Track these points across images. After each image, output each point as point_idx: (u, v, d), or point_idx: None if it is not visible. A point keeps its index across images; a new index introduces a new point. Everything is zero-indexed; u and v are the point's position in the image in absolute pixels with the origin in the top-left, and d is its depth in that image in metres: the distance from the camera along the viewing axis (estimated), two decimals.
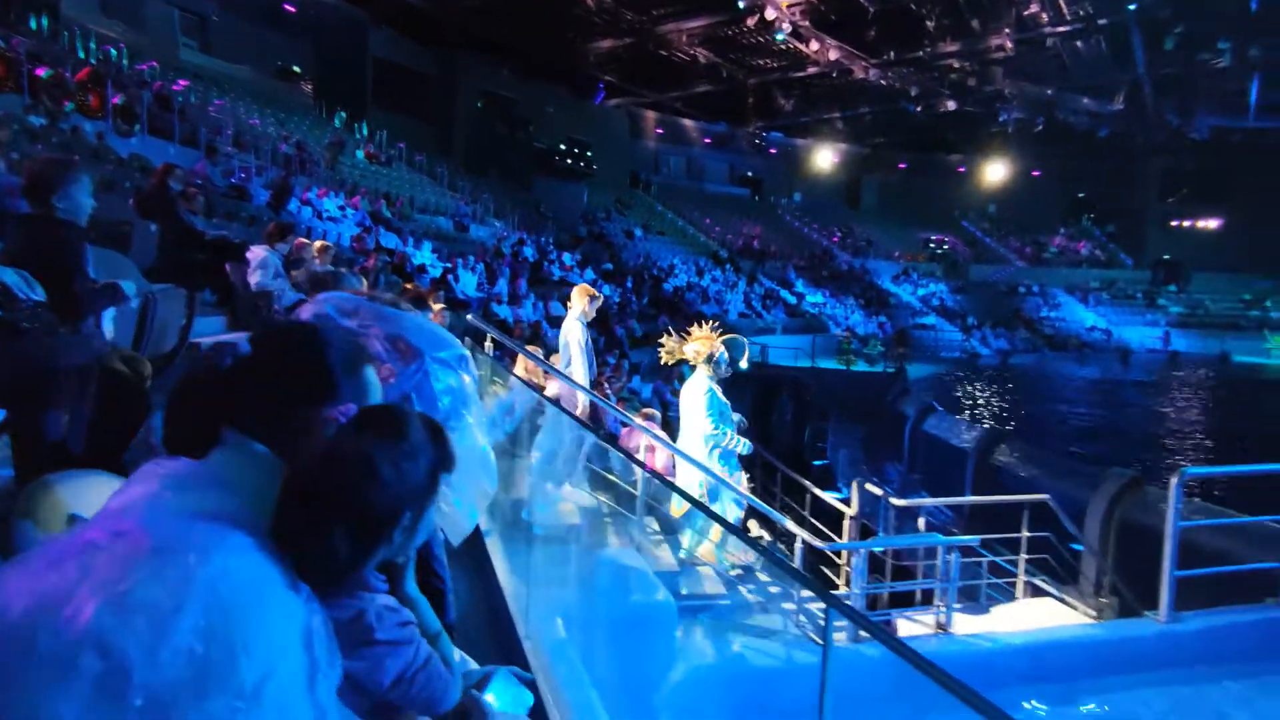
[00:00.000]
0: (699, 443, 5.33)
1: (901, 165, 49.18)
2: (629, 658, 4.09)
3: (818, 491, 7.53)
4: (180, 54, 22.45)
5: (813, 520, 7.75)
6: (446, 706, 1.32)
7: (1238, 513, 5.58)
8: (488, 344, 5.41)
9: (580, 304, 6.07)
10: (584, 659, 3.44)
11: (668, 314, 19.60)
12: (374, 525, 1.12)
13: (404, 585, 1.34)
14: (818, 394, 17.00)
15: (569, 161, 35.01)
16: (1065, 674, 4.60)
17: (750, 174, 47.91)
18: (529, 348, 7.02)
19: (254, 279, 5.95)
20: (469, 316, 7.18)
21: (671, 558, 5.38)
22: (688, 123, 44.65)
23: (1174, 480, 4.76)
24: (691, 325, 5.93)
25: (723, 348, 5.50)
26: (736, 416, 5.58)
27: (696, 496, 5.23)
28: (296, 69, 28.55)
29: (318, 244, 6.96)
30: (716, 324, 5.83)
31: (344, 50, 28.48)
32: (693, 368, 5.57)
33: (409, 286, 4.92)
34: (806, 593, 5.69)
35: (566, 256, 20.44)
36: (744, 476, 5.60)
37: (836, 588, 6.51)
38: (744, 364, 5.59)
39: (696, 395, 5.38)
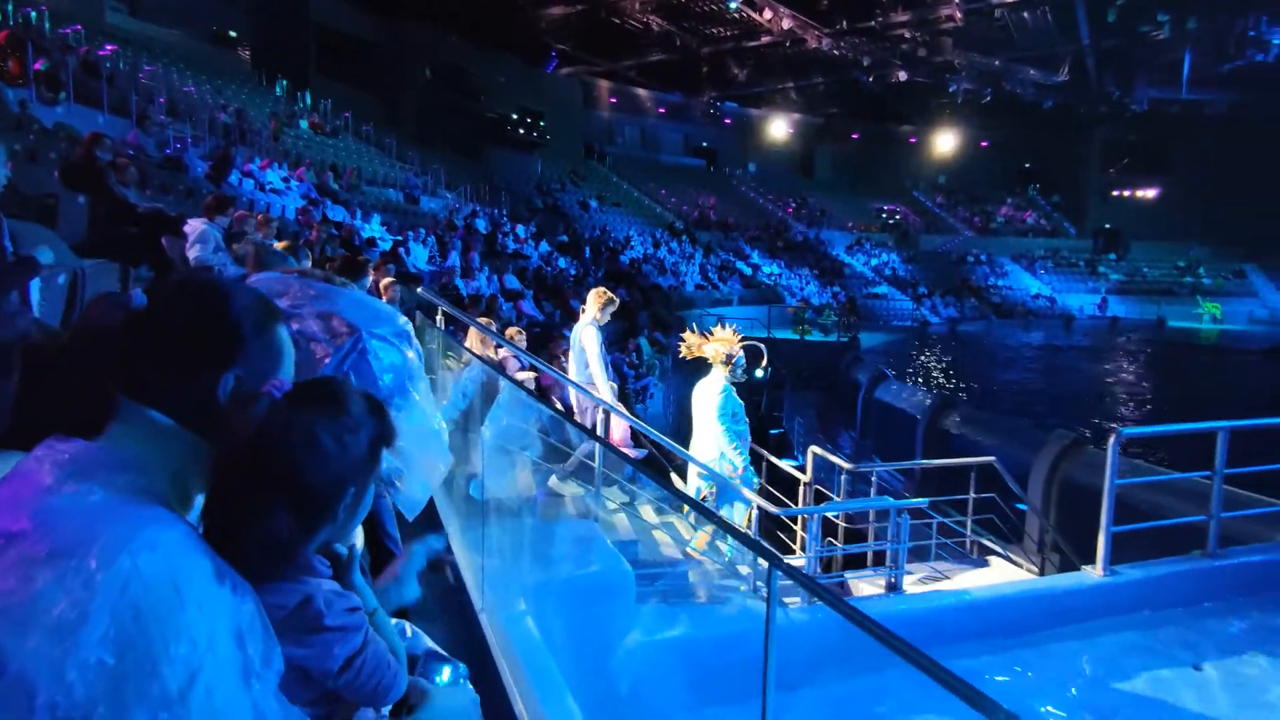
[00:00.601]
0: (711, 440, 5.31)
1: (854, 136, 49.55)
2: (587, 627, 4.12)
3: (773, 459, 7.64)
4: (106, 17, 21.27)
5: (769, 487, 7.88)
6: (395, 695, 1.28)
7: (1171, 470, 5.84)
8: (439, 318, 5.31)
9: (595, 307, 5.98)
10: (542, 630, 3.45)
11: (625, 286, 19.55)
12: (317, 502, 1.08)
13: (350, 570, 1.30)
14: (774, 364, 17.19)
15: (521, 132, 34.39)
16: (1009, 628, 4.77)
17: (705, 144, 47.76)
18: (481, 320, 6.92)
19: (193, 253, 5.72)
20: (419, 290, 7.03)
21: (630, 526, 5.42)
22: (641, 92, 44.21)
23: (1111, 441, 4.93)
24: (700, 328, 5.90)
25: (741, 351, 5.50)
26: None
27: (705, 493, 5.30)
28: (233, 34, 27.35)
29: (259, 216, 6.72)
30: (736, 330, 5.83)
31: (283, 16, 27.37)
32: (710, 366, 5.58)
33: (349, 258, 4.76)
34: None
35: (520, 228, 20.15)
36: (755, 481, 5.63)
37: (793, 552, 6.66)
38: (759, 373, 5.62)
39: (711, 395, 5.38)
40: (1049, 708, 4.21)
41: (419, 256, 11.73)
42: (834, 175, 49.95)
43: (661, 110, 45.55)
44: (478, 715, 1.63)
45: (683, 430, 13.99)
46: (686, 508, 6.03)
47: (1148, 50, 37.58)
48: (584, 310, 6.12)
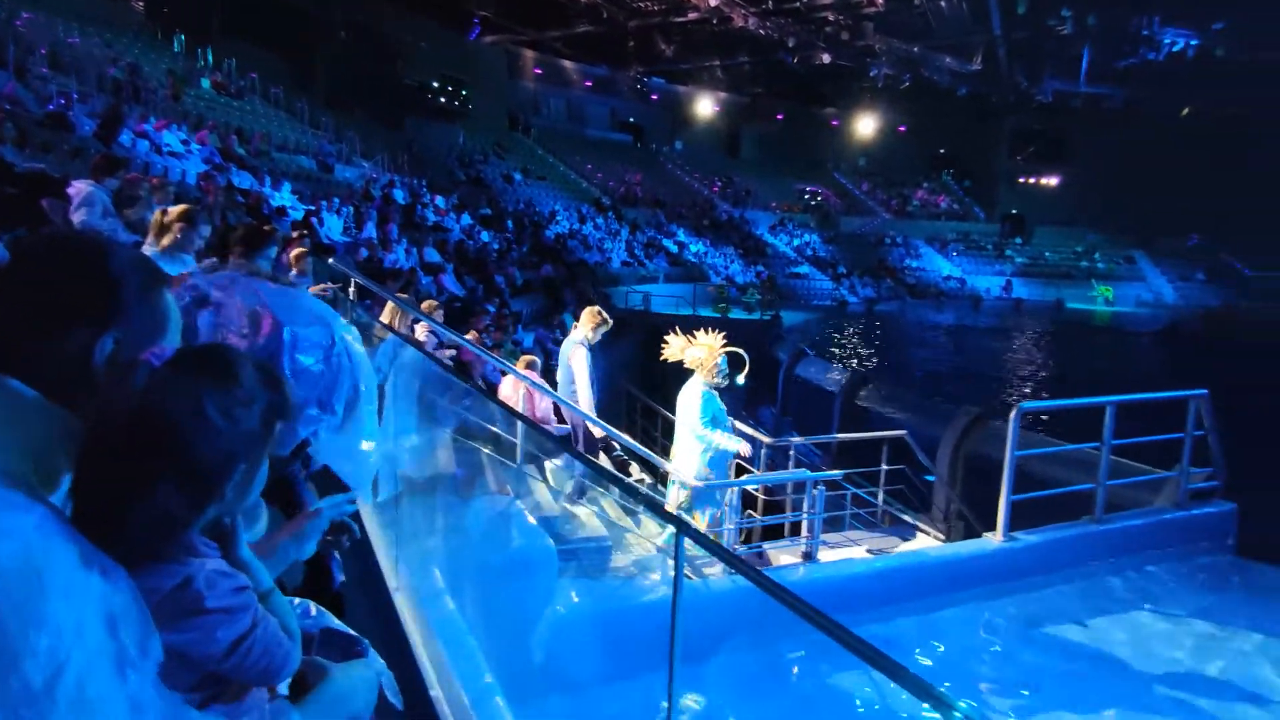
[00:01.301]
0: (691, 443, 5.30)
1: (779, 116, 50.19)
2: (507, 602, 4.09)
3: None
4: None
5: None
6: (286, 675, 1.23)
7: (1066, 442, 6.20)
8: (351, 290, 5.11)
9: (587, 327, 5.99)
10: (461, 607, 3.40)
11: (551, 262, 19.31)
12: (203, 479, 1.00)
13: (236, 548, 1.23)
14: None
15: (443, 101, 33.37)
16: (917, 592, 5.00)
17: (632, 120, 47.47)
18: (400, 296, 6.71)
19: (78, 217, 5.29)
20: (331, 261, 6.74)
21: (552, 502, 5.39)
22: (568, 64, 43.49)
23: (1012, 415, 5.20)
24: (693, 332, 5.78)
25: (720, 359, 5.47)
26: (731, 420, 5.58)
27: (684, 498, 5.30)
28: None
29: (155, 180, 6.28)
30: (723, 337, 5.75)
31: None
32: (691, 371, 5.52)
33: (254, 227, 4.48)
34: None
35: (441, 200, 19.57)
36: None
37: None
38: (740, 379, 5.59)
39: (692, 397, 5.34)
40: (951, 665, 4.44)
41: (333, 227, 11.24)
42: (759, 155, 50.56)
43: (588, 83, 44.97)
44: (391, 690, 1.59)
45: (610, 408, 14.02)
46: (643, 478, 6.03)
47: (1053, 44, 39.41)
48: (575, 328, 6.11)
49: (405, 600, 3.00)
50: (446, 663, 2.61)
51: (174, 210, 4.46)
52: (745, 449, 5.25)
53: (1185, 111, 45.01)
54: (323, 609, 1.63)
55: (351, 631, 1.54)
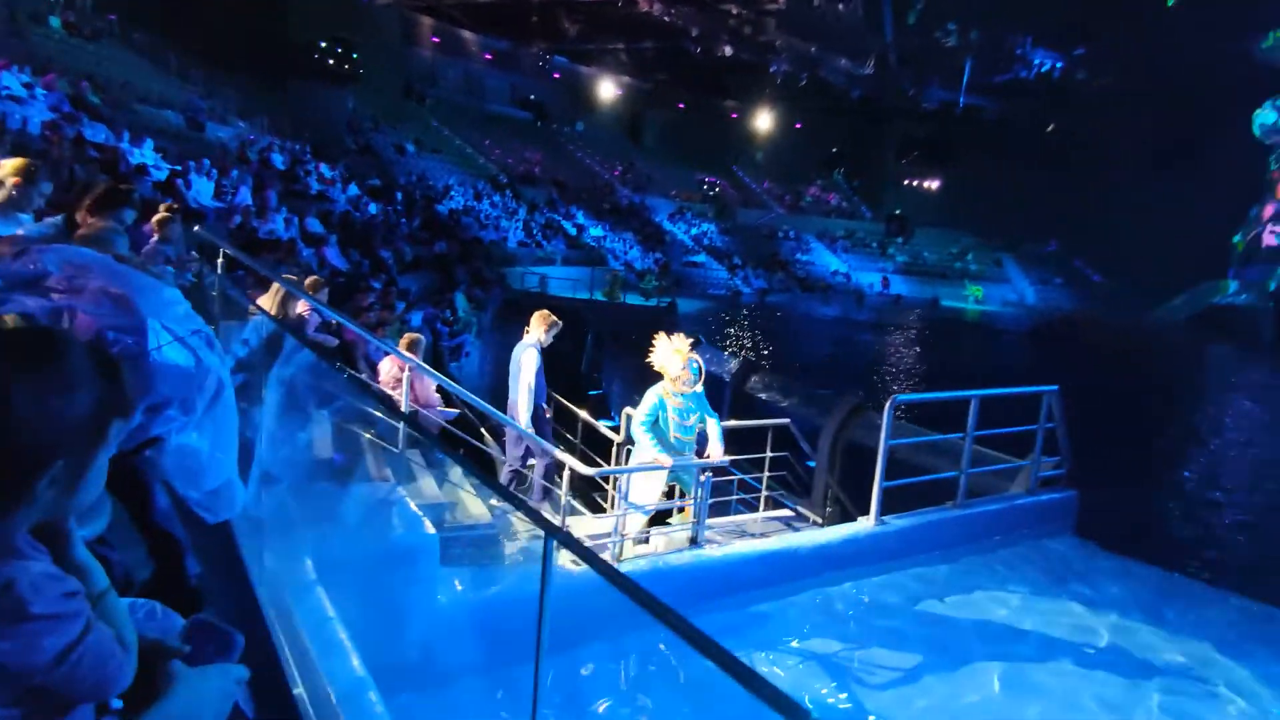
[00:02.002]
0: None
1: (681, 105, 50.62)
2: (386, 592, 3.94)
3: (589, 419, 7.71)
4: None
5: (583, 448, 7.96)
6: (120, 687, 1.11)
7: (934, 432, 6.60)
8: (217, 260, 4.72)
9: (539, 330, 5.88)
10: (335, 599, 3.24)
11: (444, 239, 18.70)
12: (9, 476, 0.91)
13: (69, 549, 1.10)
14: (595, 326, 17.34)
15: (331, 63, 31.54)
16: (794, 574, 5.20)
17: (533, 97, 46.55)
18: (287, 277, 6.28)
19: None
20: (196, 229, 6.22)
21: (436, 489, 5.23)
22: (467, 35, 42.11)
23: (886, 406, 5.47)
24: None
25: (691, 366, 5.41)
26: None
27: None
28: None
29: None
30: (694, 342, 5.64)
31: None
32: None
33: (109, 186, 4.05)
34: (573, 519, 5.85)
35: (326, 168, 18.51)
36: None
37: (604, 510, 6.78)
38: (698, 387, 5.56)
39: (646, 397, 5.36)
40: (821, 643, 4.65)
41: (202, 191, 10.40)
42: (660, 142, 50.86)
43: (488, 56, 43.72)
44: (241, 695, 1.47)
45: (500, 391, 13.77)
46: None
47: (938, 55, 41.71)
48: (527, 332, 5.98)
49: (270, 594, 2.82)
50: (314, 658, 2.47)
51: (9, 163, 3.98)
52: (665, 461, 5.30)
53: (1050, 127, 48.79)
54: (171, 611, 1.50)
55: (224, 626, 1.42)
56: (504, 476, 6.00)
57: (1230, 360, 31.45)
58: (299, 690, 2.30)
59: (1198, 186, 39.30)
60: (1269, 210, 38.92)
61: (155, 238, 5.44)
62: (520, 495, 5.12)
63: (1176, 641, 4.87)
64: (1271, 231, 38.27)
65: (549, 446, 5.35)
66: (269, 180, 12.88)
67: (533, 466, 6.02)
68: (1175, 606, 5.34)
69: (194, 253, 5.45)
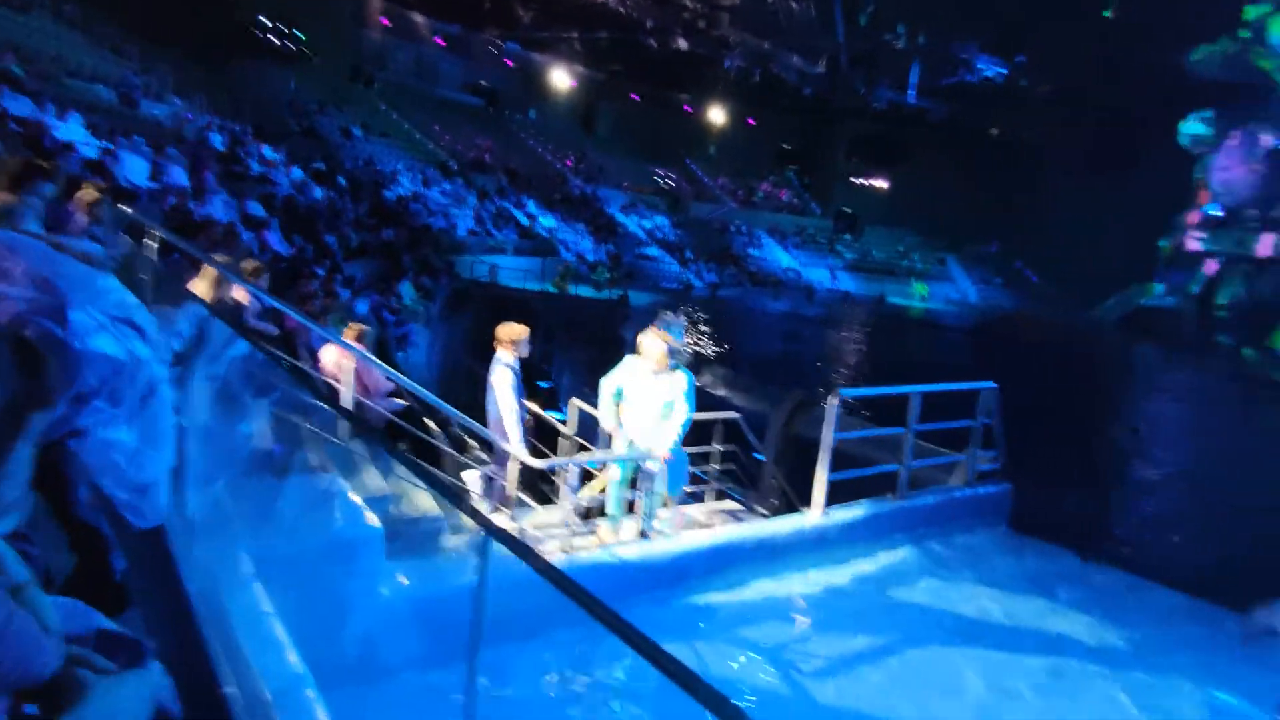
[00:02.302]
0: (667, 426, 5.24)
1: (635, 97, 50.51)
2: (328, 587, 3.85)
3: (539, 411, 7.66)
4: None
5: (531, 439, 7.90)
6: (43, 676, 1.06)
7: (878, 425, 6.76)
8: (149, 242, 4.51)
9: (507, 353, 5.77)
10: (273, 594, 3.15)
11: (391, 225, 18.32)
12: None
13: None
14: (546, 317, 17.24)
15: (274, 41, 30.49)
16: (740, 565, 5.27)
17: (485, 83, 45.83)
18: (218, 258, 6.05)
19: None
20: (127, 209, 5.95)
21: (381, 481, 5.13)
22: (419, 18, 41.21)
23: (832, 400, 5.57)
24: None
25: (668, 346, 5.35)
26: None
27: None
28: None
29: None
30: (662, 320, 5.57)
31: None
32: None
33: (28, 161, 3.83)
34: (521, 510, 5.81)
35: (268, 150, 17.92)
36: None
37: (552, 502, 6.75)
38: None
39: (678, 386, 5.25)
40: (766, 633, 4.73)
41: (135, 170, 9.94)
42: (614, 134, 50.68)
43: (440, 40, 42.86)
44: (168, 697, 1.42)
45: (449, 383, 13.61)
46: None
47: (888, 57, 42.53)
48: (496, 347, 5.88)
49: (202, 591, 2.73)
50: (247, 656, 2.40)
51: None
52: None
53: (994, 131, 50.26)
54: (91, 609, 1.43)
55: (130, 634, 1.36)
56: (478, 481, 5.85)
57: (1155, 359, 32.98)
58: (231, 689, 2.23)
59: (1130, 193, 40.99)
60: (1193, 217, 40.86)
61: (83, 217, 5.19)
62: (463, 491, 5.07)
63: (1102, 628, 5.09)
64: (1195, 237, 40.20)
65: (513, 449, 5.26)
66: (207, 160, 12.40)
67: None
68: (1099, 596, 5.58)
69: (123, 234, 5.21)
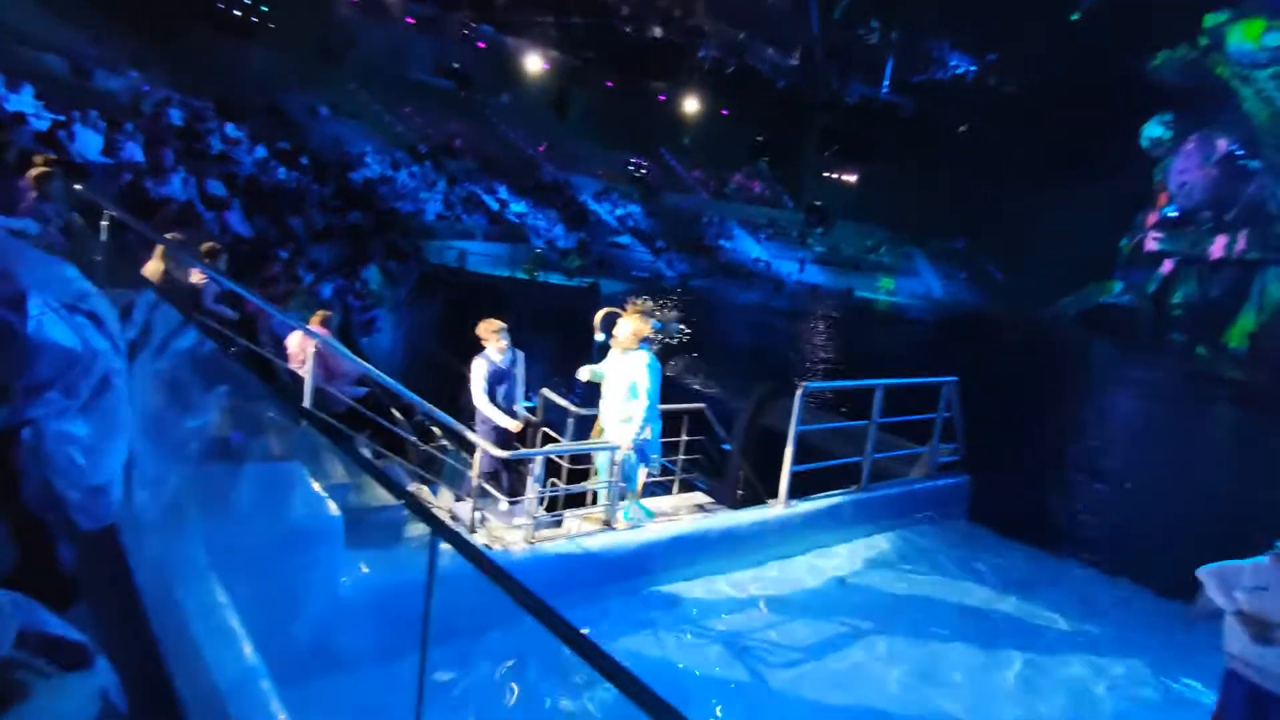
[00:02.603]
0: (632, 410, 5.25)
1: (609, 84, 50.13)
2: (287, 578, 3.79)
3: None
4: None
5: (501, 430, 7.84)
6: None
7: (843, 418, 6.85)
8: (104, 225, 4.37)
9: (491, 346, 5.77)
10: (228, 585, 3.09)
11: (358, 208, 17.99)
12: None
13: None
14: (516, 304, 17.10)
15: (237, 14, 29.65)
16: (706, 556, 5.31)
17: (457, 66, 45.11)
18: (173, 236, 5.88)
19: None
20: (77, 186, 5.74)
21: (341, 470, 5.05)
22: None
23: (797, 393, 5.62)
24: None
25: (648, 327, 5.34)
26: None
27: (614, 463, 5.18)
28: None
29: None
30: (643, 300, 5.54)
31: None
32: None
33: None
34: (486, 501, 5.76)
35: (231, 128, 17.45)
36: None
37: (520, 492, 6.71)
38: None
39: (639, 368, 5.26)
40: (730, 623, 4.77)
41: (88, 145, 9.61)
42: (587, 120, 50.27)
43: (411, 20, 42.05)
44: (114, 693, 1.38)
45: (415, 370, 13.44)
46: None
47: (861, 51, 42.78)
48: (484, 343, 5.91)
49: (153, 583, 2.66)
50: (200, 649, 2.35)
51: None
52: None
53: (962, 128, 50.89)
54: (34, 602, 1.38)
55: (73, 635, 1.32)
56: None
57: (1112, 356, 33.87)
58: (181, 683, 2.18)
59: (1093, 193, 41.87)
60: (1151, 218, 41.90)
61: (33, 194, 5.01)
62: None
63: (1055, 616, 5.23)
64: (1153, 238, 41.24)
65: (473, 435, 5.22)
66: (165, 137, 12.04)
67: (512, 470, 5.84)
68: (1053, 585, 5.73)
69: (74, 213, 5.05)
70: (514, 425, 5.55)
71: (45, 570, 2.32)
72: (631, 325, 5.35)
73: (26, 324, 1.71)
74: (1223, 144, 38.46)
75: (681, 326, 5.43)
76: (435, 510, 5.11)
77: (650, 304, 5.57)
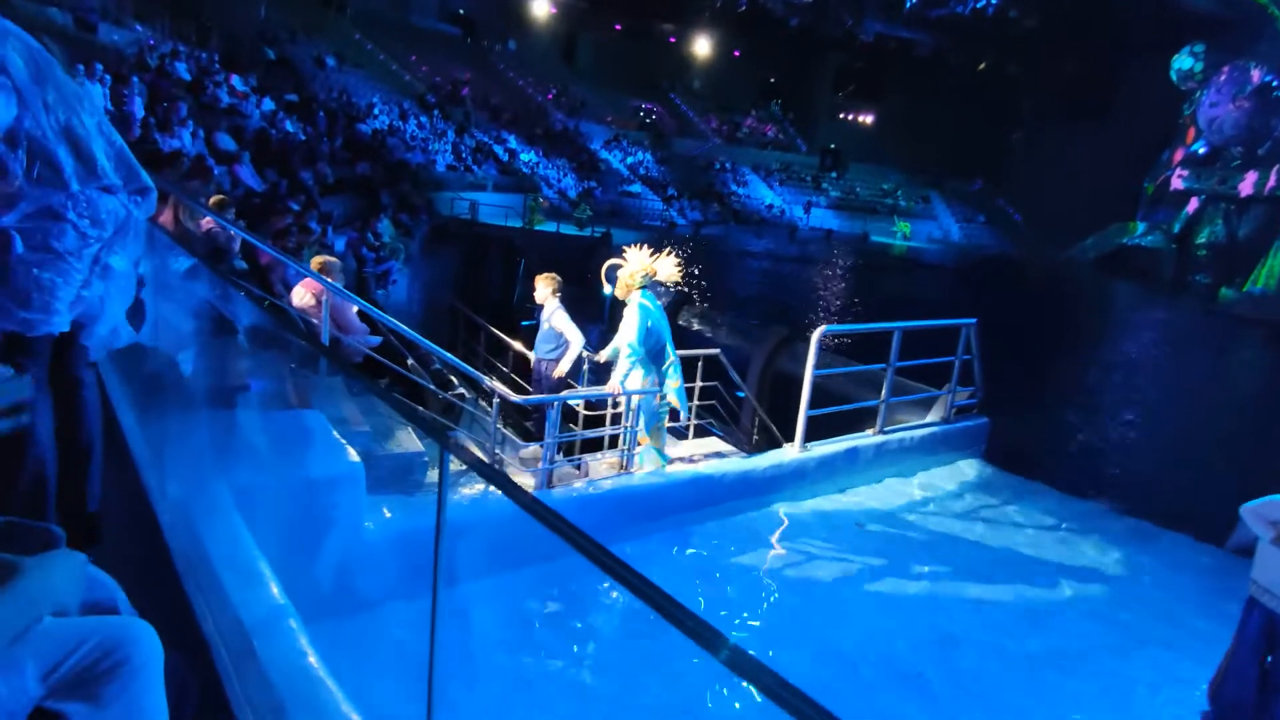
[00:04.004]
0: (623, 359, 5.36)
1: (617, 27, 48.85)
2: (310, 521, 3.86)
3: (520, 348, 7.63)
4: None
5: (514, 376, 7.89)
6: None
7: (859, 362, 6.79)
8: None
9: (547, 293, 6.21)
10: (252, 527, 3.15)
11: (367, 160, 17.81)
12: None
13: None
14: (527, 255, 17.00)
15: None
16: (721, 499, 5.34)
17: (462, 11, 44.05)
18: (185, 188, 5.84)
19: None
20: None
21: (360, 417, 5.10)
22: None
23: (814, 336, 5.57)
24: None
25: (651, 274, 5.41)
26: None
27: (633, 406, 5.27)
28: None
29: None
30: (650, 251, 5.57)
31: None
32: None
33: None
34: (516, 449, 5.81)
35: (238, 80, 17.21)
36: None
37: (536, 437, 6.78)
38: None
39: (631, 312, 5.33)
40: (746, 565, 4.83)
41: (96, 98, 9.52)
42: (596, 65, 49.16)
43: None
44: (104, 583, 1.44)
45: (429, 321, 13.43)
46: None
47: None
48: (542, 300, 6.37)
49: (172, 524, 2.71)
50: (225, 587, 2.40)
51: None
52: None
53: (981, 65, 49.30)
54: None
55: (38, 524, 1.41)
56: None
57: (1133, 298, 33.32)
58: (207, 620, 2.23)
59: (1116, 130, 40.65)
60: (1178, 155, 40.67)
61: None
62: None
63: (1074, 556, 5.25)
64: (1179, 176, 40.10)
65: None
66: (172, 90, 11.89)
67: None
68: (1072, 526, 5.73)
69: None
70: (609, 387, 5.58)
71: (74, 506, 2.36)
72: (622, 276, 5.42)
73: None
74: (1257, 75, 37.01)
75: (673, 273, 5.41)
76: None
77: (644, 253, 5.55)
